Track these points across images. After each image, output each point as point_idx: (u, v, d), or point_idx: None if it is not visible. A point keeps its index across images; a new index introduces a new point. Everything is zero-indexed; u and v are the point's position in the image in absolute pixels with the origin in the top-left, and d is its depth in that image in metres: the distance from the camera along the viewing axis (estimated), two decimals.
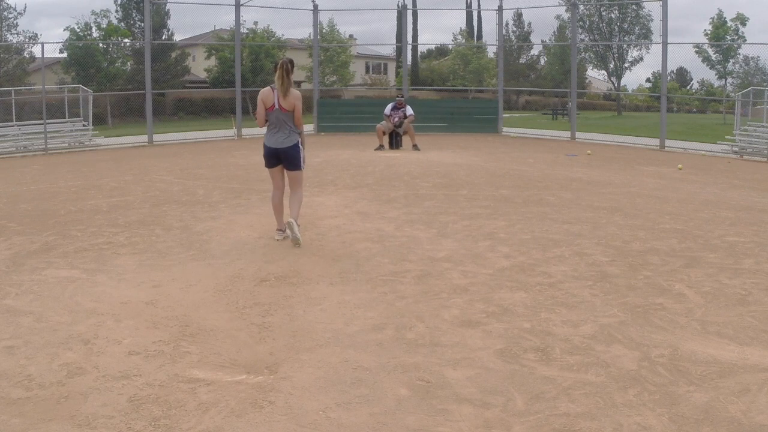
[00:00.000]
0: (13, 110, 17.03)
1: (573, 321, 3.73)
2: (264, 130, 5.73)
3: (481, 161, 11.94)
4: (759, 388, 2.88)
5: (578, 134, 18.64)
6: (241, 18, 18.93)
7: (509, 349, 3.34)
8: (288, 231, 5.38)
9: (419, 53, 44.82)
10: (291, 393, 2.85)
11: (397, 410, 2.70)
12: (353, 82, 37.07)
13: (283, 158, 5.56)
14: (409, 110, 14.22)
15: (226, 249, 5.38)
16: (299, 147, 5.58)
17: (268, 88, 5.56)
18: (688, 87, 47.75)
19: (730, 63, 34.75)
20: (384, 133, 14.07)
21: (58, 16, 60.68)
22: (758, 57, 32.79)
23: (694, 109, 44.70)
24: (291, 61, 5.51)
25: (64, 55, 29.84)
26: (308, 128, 19.97)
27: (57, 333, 3.53)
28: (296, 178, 5.63)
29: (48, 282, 4.49)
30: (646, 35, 37.86)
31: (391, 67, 45.00)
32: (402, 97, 14.97)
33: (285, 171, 5.66)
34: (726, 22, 34.67)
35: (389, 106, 14.32)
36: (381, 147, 13.86)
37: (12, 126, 16.44)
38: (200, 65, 35.36)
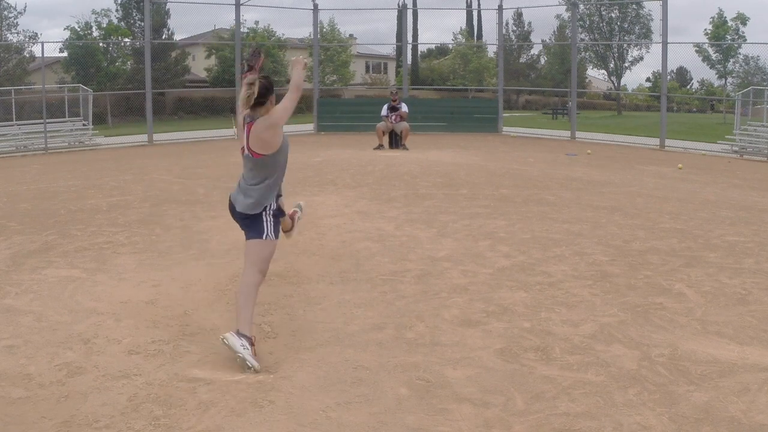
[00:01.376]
0: (13, 109, 17.02)
1: (573, 320, 3.73)
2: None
3: (481, 161, 11.93)
4: (759, 388, 2.88)
5: (578, 134, 18.64)
6: (241, 17, 18.93)
7: (509, 348, 3.34)
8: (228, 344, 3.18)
9: (419, 53, 44.77)
10: (291, 392, 2.85)
11: (397, 410, 2.70)
12: (353, 82, 37.04)
13: (240, 222, 3.57)
14: (404, 107, 14.23)
15: (226, 248, 5.38)
16: (264, 215, 3.45)
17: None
18: (688, 86, 47.72)
19: (731, 62, 34.73)
20: (384, 133, 14.08)
21: (59, 16, 60.72)
22: (758, 56, 32.79)
23: (694, 109, 44.70)
24: (265, 80, 3.31)
25: (65, 54, 29.84)
26: (308, 128, 19.98)
27: (57, 332, 3.53)
28: (253, 251, 3.47)
29: (48, 281, 4.49)
30: (646, 35, 37.82)
31: (391, 66, 44.97)
32: (396, 92, 15.01)
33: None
34: (726, 21, 34.65)
35: (385, 107, 14.34)
36: (381, 146, 13.86)
37: (12, 125, 16.43)
38: (200, 65, 35.34)
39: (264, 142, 3.32)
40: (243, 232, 3.53)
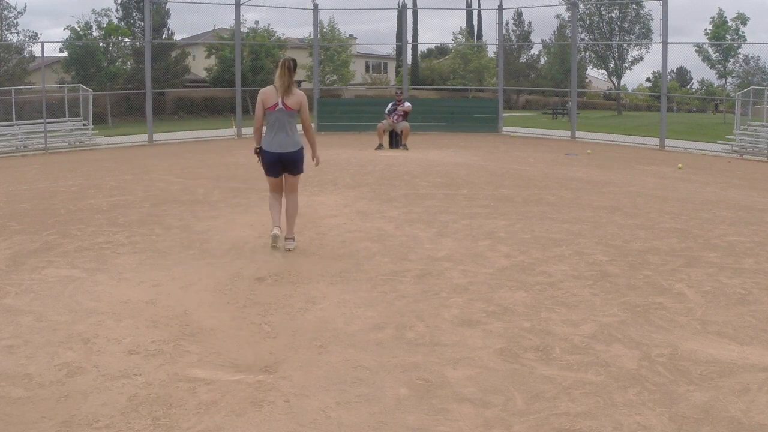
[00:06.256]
0: (13, 109, 17.01)
1: (573, 320, 3.73)
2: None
3: (481, 160, 11.93)
4: (759, 388, 2.88)
5: (578, 134, 18.64)
6: (241, 17, 18.94)
7: (509, 348, 3.34)
8: (283, 243, 5.30)
9: (419, 53, 44.80)
10: (291, 392, 2.85)
11: (397, 409, 2.70)
12: (353, 82, 37.05)
13: (287, 163, 5.23)
14: (407, 103, 14.33)
15: (225, 248, 5.38)
16: (303, 149, 5.28)
17: (270, 86, 5.26)
18: (688, 86, 47.72)
19: (731, 62, 34.73)
20: (384, 132, 14.10)
21: (62, 16, 60.72)
22: (758, 56, 32.79)
23: (694, 109, 44.70)
24: (293, 60, 5.19)
25: (65, 54, 29.85)
26: None
27: (57, 332, 3.53)
28: (295, 183, 5.36)
29: (48, 281, 4.49)
30: (646, 34, 37.84)
31: (391, 66, 44.98)
32: (400, 94, 15.08)
33: (285, 175, 5.34)
34: (726, 21, 34.65)
35: (390, 105, 14.43)
36: (381, 146, 13.87)
37: (12, 125, 16.43)
38: (200, 64, 35.35)
39: (296, 103, 5.19)
40: (279, 178, 5.31)
